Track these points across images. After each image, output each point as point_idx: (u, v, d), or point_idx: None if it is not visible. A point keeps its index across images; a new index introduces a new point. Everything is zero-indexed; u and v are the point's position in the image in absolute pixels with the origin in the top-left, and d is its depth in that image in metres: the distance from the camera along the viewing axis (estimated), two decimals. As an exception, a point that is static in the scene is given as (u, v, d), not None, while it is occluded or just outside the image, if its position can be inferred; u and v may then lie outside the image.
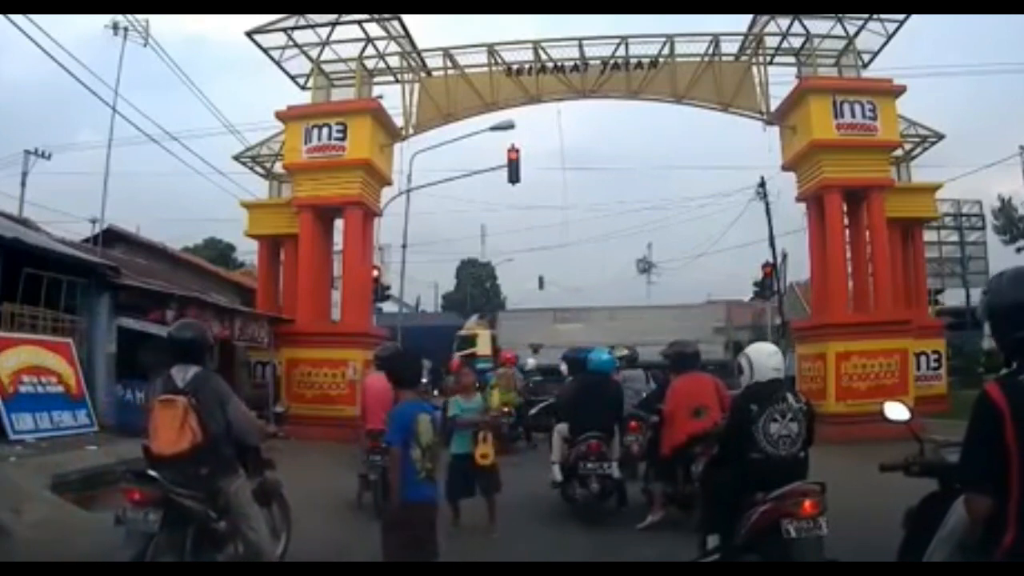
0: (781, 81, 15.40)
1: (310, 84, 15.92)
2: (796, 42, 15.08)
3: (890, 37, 14.37)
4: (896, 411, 3.84)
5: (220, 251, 38.05)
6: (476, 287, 55.46)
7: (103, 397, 10.39)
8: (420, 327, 27.05)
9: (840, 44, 14.75)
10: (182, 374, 4.36)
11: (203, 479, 4.24)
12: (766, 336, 25.27)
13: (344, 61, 15.74)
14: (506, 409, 12.85)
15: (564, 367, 8.98)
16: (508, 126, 17.78)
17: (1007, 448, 2.11)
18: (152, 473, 4.12)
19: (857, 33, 14.43)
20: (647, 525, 6.75)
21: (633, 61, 15.55)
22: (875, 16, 13.94)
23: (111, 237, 19.20)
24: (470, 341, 23.08)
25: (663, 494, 6.88)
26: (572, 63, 15.80)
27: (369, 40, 15.22)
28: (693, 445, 6.44)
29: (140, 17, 18.28)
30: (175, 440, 4.15)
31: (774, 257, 25.40)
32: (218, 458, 4.33)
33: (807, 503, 3.90)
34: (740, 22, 17.77)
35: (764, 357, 4.40)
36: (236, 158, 17.13)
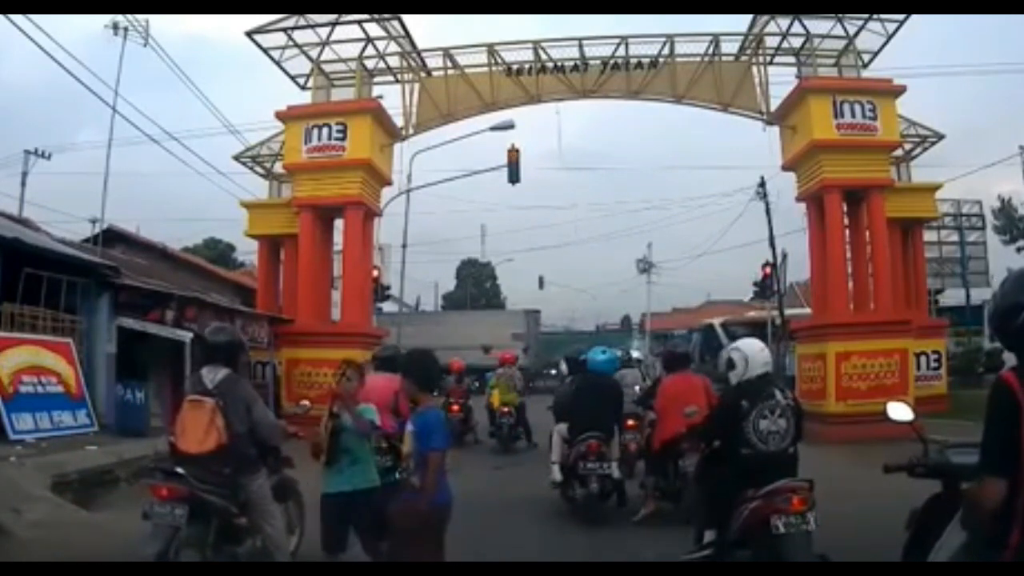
0: (781, 81, 15.42)
1: (310, 84, 15.91)
2: (796, 42, 15.06)
3: (890, 37, 14.36)
4: (899, 411, 3.83)
5: (220, 251, 38.06)
6: (476, 287, 55.51)
7: (103, 397, 10.38)
8: None
9: (840, 44, 14.73)
10: (211, 375, 4.57)
11: (226, 477, 4.44)
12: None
13: (344, 61, 15.72)
14: (506, 409, 12.87)
15: (564, 367, 9.01)
16: (508, 126, 17.77)
17: (1019, 441, 2.08)
18: (179, 470, 4.32)
19: (857, 33, 14.42)
20: (640, 518, 6.96)
21: (633, 61, 15.54)
22: (875, 16, 13.92)
23: (111, 237, 19.20)
24: None
25: (655, 488, 7.13)
26: (572, 63, 15.79)
27: (369, 40, 15.21)
28: (680, 442, 6.62)
29: (140, 17, 18.25)
30: (202, 439, 4.37)
31: (774, 257, 25.39)
32: (241, 457, 4.53)
33: (795, 499, 4.01)
34: (740, 22, 17.78)
35: (756, 352, 4.51)
36: (236, 158, 17.12)
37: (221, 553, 4.39)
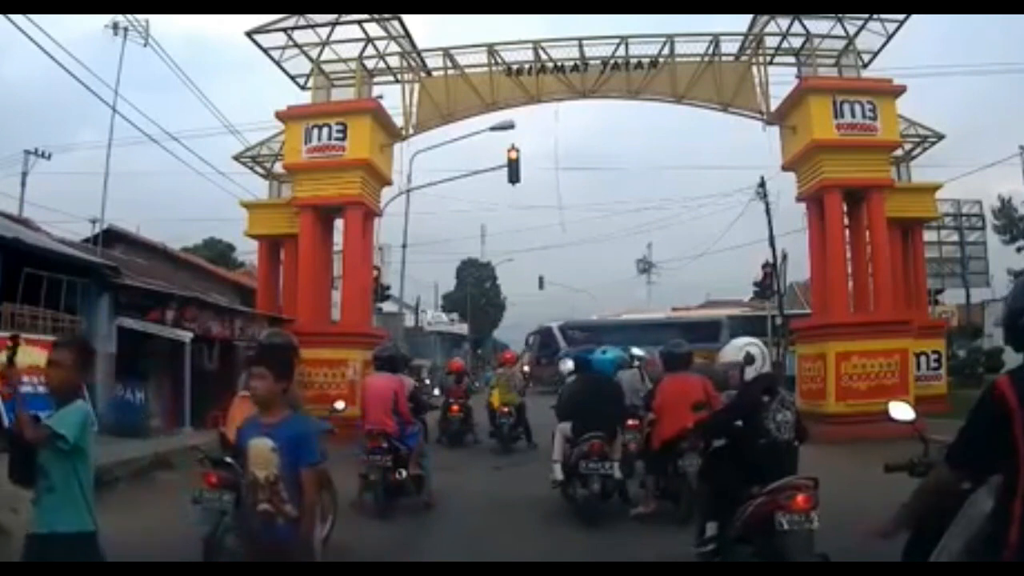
0: (781, 81, 15.41)
1: (310, 84, 15.90)
2: (796, 42, 15.06)
3: (890, 37, 14.36)
4: (901, 411, 3.83)
5: (220, 251, 38.02)
6: (476, 287, 55.53)
7: (103, 397, 10.38)
8: None
9: (840, 44, 14.73)
10: None
11: None
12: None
13: (344, 61, 15.72)
14: (506, 409, 12.86)
15: (570, 365, 9.02)
16: (508, 126, 17.80)
17: (1015, 445, 2.09)
18: (228, 459, 4.70)
19: (857, 33, 14.42)
20: (637, 513, 7.03)
21: (633, 61, 15.54)
22: (875, 16, 13.93)
23: (111, 237, 19.21)
24: None
25: (654, 486, 7.16)
26: (572, 63, 15.79)
27: (369, 40, 15.21)
28: (680, 441, 6.65)
29: (140, 17, 18.28)
30: None
31: (774, 257, 25.42)
32: None
33: (800, 497, 4.04)
34: (740, 22, 17.82)
35: (764, 350, 4.77)
36: (236, 158, 17.13)
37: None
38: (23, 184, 25.90)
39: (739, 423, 4.60)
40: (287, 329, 14.55)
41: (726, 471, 4.53)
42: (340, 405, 7.05)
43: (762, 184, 25.79)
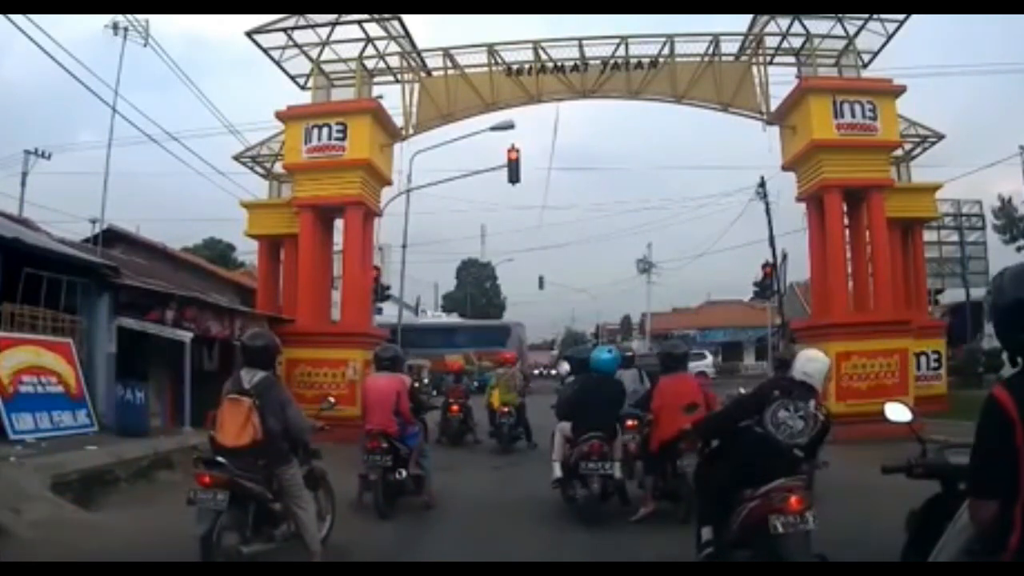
0: (781, 81, 15.41)
1: (310, 84, 15.90)
2: (796, 42, 15.06)
3: (890, 37, 14.36)
4: (897, 412, 3.84)
5: (220, 251, 38.05)
6: (476, 287, 55.61)
7: (103, 397, 10.39)
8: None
9: (840, 44, 14.74)
10: (249, 376, 5.07)
11: (261, 468, 4.92)
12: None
13: (344, 61, 15.71)
14: (506, 409, 12.86)
15: (567, 366, 9.04)
16: (508, 126, 17.79)
17: (1018, 451, 2.08)
18: (220, 460, 4.78)
19: (857, 33, 14.42)
20: (639, 518, 6.98)
21: (633, 61, 15.54)
22: (875, 16, 13.93)
23: (111, 237, 19.19)
24: None
25: (653, 487, 7.15)
26: (572, 63, 15.79)
27: (369, 40, 15.20)
28: (678, 441, 6.60)
29: (140, 17, 18.27)
30: (238, 434, 4.83)
31: (774, 257, 25.46)
32: (274, 451, 4.96)
33: (793, 499, 4.00)
34: (740, 22, 17.81)
35: (802, 361, 4.63)
36: (236, 158, 17.13)
37: (259, 535, 4.88)
38: (23, 184, 25.96)
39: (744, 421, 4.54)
40: (287, 329, 14.64)
41: (719, 473, 4.50)
42: (331, 399, 6.87)
43: (762, 184, 25.85)
